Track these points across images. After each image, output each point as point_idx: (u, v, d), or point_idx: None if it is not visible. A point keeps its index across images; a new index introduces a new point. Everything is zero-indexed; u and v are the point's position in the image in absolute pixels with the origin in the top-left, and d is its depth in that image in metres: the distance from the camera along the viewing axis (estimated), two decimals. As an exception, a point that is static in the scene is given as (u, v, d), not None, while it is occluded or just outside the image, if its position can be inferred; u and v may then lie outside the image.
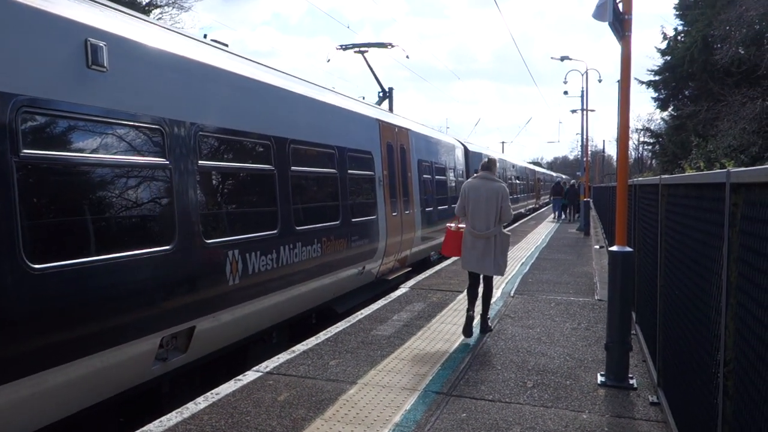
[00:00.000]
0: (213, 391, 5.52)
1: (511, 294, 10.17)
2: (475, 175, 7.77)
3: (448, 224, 7.90)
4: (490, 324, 7.75)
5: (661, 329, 5.23)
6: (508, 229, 8.14)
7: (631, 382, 5.66)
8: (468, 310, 7.36)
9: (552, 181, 53.18)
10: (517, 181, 35.78)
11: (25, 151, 4.17)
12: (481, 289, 7.57)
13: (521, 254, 15.82)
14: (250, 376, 5.93)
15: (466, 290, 7.75)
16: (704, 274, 3.40)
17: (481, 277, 7.53)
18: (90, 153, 4.78)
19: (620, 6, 5.54)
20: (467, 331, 7.24)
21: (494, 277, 7.64)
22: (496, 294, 10.02)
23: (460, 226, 7.64)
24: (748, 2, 24.52)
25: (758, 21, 25.85)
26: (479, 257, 7.28)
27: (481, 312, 7.63)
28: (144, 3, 32.29)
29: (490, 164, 7.68)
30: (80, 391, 4.70)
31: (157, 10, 33.52)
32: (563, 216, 31.49)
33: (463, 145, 21.17)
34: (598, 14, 5.39)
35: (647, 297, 6.33)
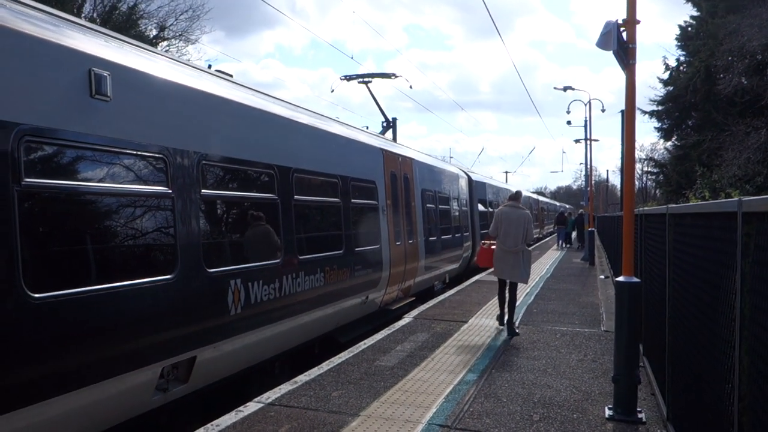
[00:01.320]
0: (213, 422, 5.42)
1: (516, 325, 10.05)
2: (505, 203, 9.53)
3: (482, 241, 10.25)
4: (516, 329, 9.20)
5: (670, 362, 5.13)
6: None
7: (639, 416, 5.54)
8: (500, 309, 9.46)
9: (555, 211, 53.14)
10: None
11: (27, 179, 4.15)
12: (507, 297, 9.24)
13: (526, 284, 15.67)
14: (252, 407, 5.83)
15: (497, 295, 9.70)
16: (715, 306, 3.32)
17: (508, 284, 9.22)
18: (92, 182, 4.76)
19: (624, 35, 5.55)
20: (501, 321, 9.42)
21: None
22: (502, 324, 9.95)
23: (492, 245, 9.45)
24: (750, 33, 24.69)
25: (760, 51, 26.01)
26: (510, 268, 9.07)
27: (507, 318, 9.16)
28: (152, 36, 32.74)
29: (517, 195, 9.75)
30: (79, 422, 4.62)
31: (165, 43, 33.97)
32: (567, 244, 32.82)
33: (466, 174, 21.18)
34: (603, 43, 5.41)
35: (655, 328, 6.23)
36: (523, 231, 9.08)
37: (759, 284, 2.47)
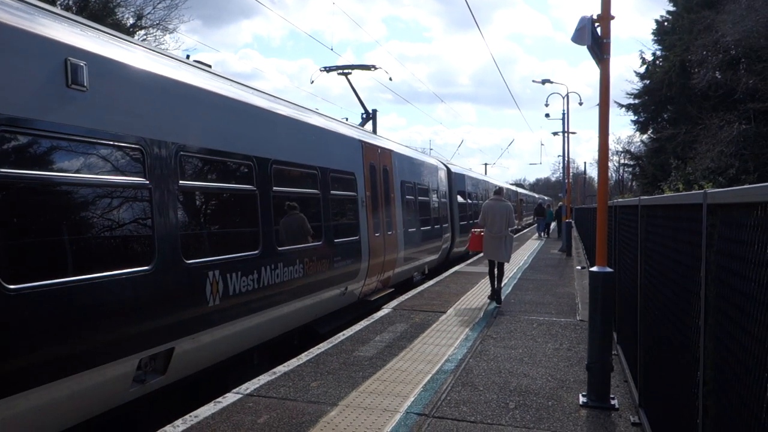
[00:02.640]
0: (192, 413, 5.43)
1: (494, 315, 10.17)
2: (491, 198, 11.59)
3: (472, 230, 12.03)
4: (501, 299, 11.32)
5: (641, 349, 5.25)
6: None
7: (612, 402, 5.66)
8: (492, 286, 11.37)
9: (534, 203, 53.68)
10: None
11: (2, 170, 4.12)
12: (496, 273, 11.28)
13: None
14: (230, 398, 5.85)
15: (488, 274, 11.64)
16: (683, 295, 3.42)
17: (496, 263, 11.20)
18: (69, 172, 4.73)
19: (599, 30, 5.64)
20: (495, 298, 11.23)
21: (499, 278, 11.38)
22: (479, 315, 10.08)
23: (481, 232, 11.33)
24: (724, 28, 25.06)
25: (734, 46, 26.40)
26: (495, 250, 11.08)
27: (496, 287, 11.25)
28: (128, 25, 32.32)
29: (499, 190, 12.30)
30: (56, 414, 4.60)
31: (142, 32, 33.56)
32: (545, 234, 34.51)
33: (446, 166, 21.28)
34: (578, 38, 5.47)
35: (628, 317, 6.36)
36: (506, 220, 11.05)
37: (722, 273, 2.56)
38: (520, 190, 56.67)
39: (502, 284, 11.75)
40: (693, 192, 3.26)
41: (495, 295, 11.26)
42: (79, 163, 4.85)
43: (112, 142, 5.14)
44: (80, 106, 4.81)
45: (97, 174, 4.99)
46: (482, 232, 11.32)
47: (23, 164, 4.37)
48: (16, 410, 4.17)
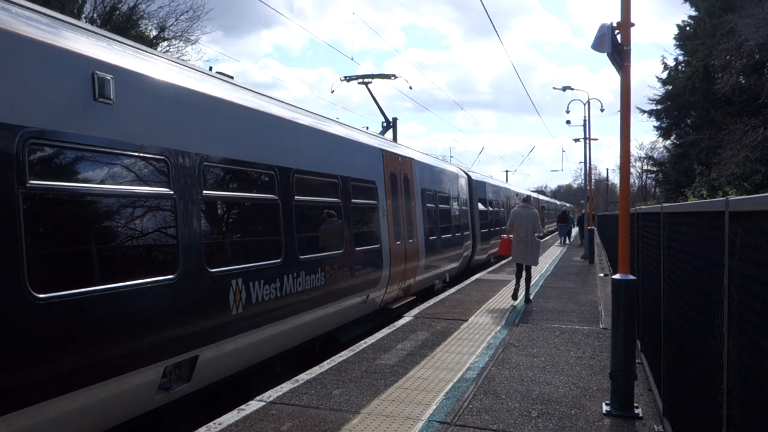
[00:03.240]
0: (216, 420, 5.49)
1: (516, 323, 10.13)
2: (519, 204, 12.70)
3: (502, 235, 13.29)
4: (531, 298, 12.41)
5: (665, 357, 5.21)
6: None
7: (636, 411, 5.61)
8: (516, 285, 12.32)
9: (556, 210, 53.47)
10: None
11: (32, 181, 4.22)
12: (524, 275, 12.33)
13: (525, 283, 15.74)
14: (253, 405, 5.90)
15: (515, 275, 12.51)
16: (706, 302, 3.40)
17: (524, 267, 12.21)
18: (96, 183, 4.83)
19: (619, 37, 5.62)
20: (515, 297, 12.29)
21: (515, 300, 12.32)
22: (501, 323, 10.05)
23: (510, 237, 12.36)
24: (748, 32, 24.75)
25: (758, 50, 26.05)
26: (522, 254, 12.05)
27: (524, 291, 12.35)
28: (152, 37, 32.80)
29: (528, 198, 13.69)
30: (82, 422, 4.68)
31: (165, 43, 34.03)
32: (568, 240, 35.36)
33: (466, 173, 21.25)
34: (597, 45, 5.47)
35: (651, 325, 6.30)
36: (531, 225, 12.02)
37: (745, 281, 2.54)
38: (541, 197, 56.41)
39: (531, 284, 12.76)
40: (715, 199, 3.25)
41: (515, 295, 12.32)
42: (106, 174, 4.94)
43: (137, 154, 5.24)
44: (107, 118, 4.92)
45: (123, 185, 5.09)
46: (511, 237, 12.35)
47: (51, 176, 4.48)
48: (47, 416, 4.25)
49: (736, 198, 2.72)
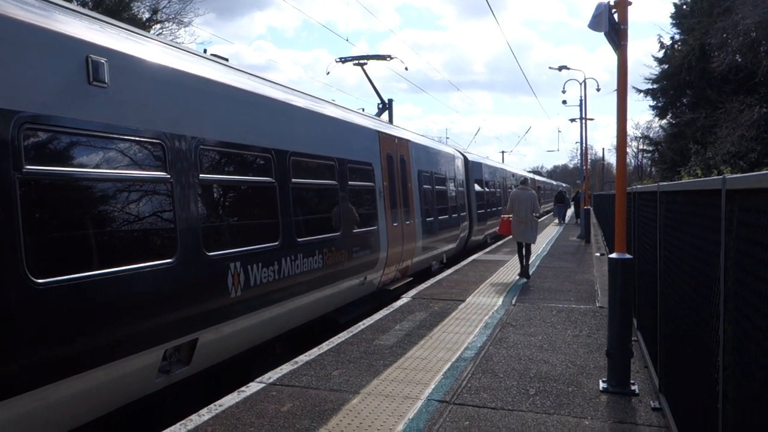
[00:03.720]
0: (216, 402, 5.54)
1: (513, 302, 10.19)
2: (518, 186, 13.46)
3: (502, 215, 13.76)
4: (530, 274, 13.01)
5: (661, 335, 5.26)
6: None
7: (632, 387, 5.68)
8: (520, 263, 12.96)
9: (552, 190, 53.68)
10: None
11: (28, 166, 4.21)
12: (524, 252, 12.91)
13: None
14: (254, 387, 5.95)
15: (517, 253, 13.22)
16: (702, 280, 3.42)
17: (524, 244, 12.83)
18: (92, 168, 4.82)
19: (616, 16, 5.60)
20: (524, 274, 12.89)
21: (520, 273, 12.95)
22: (498, 302, 10.11)
23: (509, 217, 12.92)
24: (745, 10, 24.65)
25: (754, 29, 25.97)
26: (522, 233, 12.72)
27: (525, 264, 12.89)
28: (144, 19, 32.50)
29: (525, 180, 14.28)
30: (83, 405, 4.71)
31: (158, 26, 33.73)
32: (564, 220, 35.64)
33: (462, 155, 21.22)
34: (594, 24, 5.45)
35: (647, 303, 6.35)
36: (530, 206, 12.65)
37: (742, 259, 2.57)
38: (537, 177, 56.46)
39: (530, 261, 13.44)
40: (712, 178, 3.26)
41: (524, 272, 12.87)
42: (102, 159, 4.93)
43: (133, 137, 5.22)
44: (102, 102, 4.89)
45: (119, 169, 5.07)
46: (510, 217, 12.92)
47: (47, 161, 4.46)
48: (48, 401, 4.28)
49: (732, 176, 2.73)
